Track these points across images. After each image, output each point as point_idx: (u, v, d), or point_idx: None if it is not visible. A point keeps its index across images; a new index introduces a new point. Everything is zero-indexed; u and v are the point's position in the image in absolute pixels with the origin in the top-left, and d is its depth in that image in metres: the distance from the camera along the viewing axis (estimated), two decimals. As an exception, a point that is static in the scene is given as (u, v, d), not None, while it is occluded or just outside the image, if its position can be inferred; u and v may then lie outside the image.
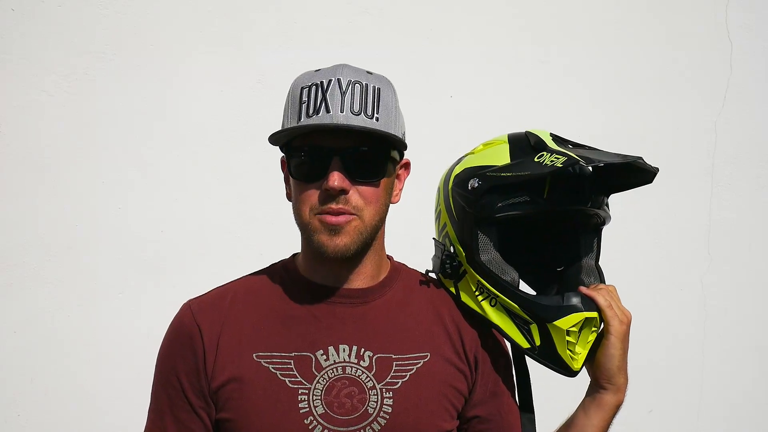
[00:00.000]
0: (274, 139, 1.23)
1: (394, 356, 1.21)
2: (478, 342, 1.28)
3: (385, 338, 1.22)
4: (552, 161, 1.17)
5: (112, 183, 2.24)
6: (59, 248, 2.21)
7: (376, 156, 1.19)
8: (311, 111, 1.17)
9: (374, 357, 1.20)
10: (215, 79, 2.30)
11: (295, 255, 1.35)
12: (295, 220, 1.24)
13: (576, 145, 1.30)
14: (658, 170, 1.21)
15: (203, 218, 2.29)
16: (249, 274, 1.36)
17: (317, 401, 1.17)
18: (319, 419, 1.16)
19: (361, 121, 1.15)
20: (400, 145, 1.24)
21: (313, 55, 2.36)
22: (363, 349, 1.20)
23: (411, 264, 1.40)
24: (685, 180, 2.64)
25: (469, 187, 1.25)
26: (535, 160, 1.20)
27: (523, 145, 1.29)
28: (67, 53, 2.20)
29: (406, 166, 1.32)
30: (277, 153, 2.52)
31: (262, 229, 2.32)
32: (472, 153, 1.35)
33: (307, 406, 1.17)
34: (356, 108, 1.16)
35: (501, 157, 1.28)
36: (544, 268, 1.39)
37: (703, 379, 2.68)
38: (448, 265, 1.29)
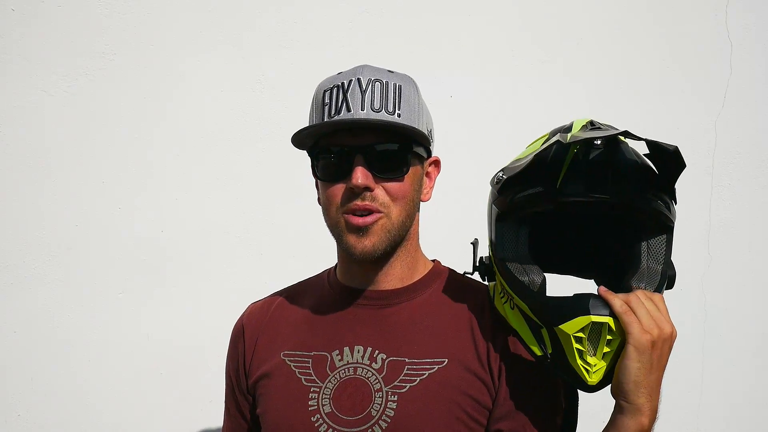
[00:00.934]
0: (297, 141, 1.22)
1: (407, 360, 1.20)
2: (508, 352, 1.20)
3: (401, 341, 1.21)
4: (573, 137, 1.08)
5: (112, 183, 2.24)
6: (60, 248, 2.21)
7: (399, 151, 1.18)
8: (333, 111, 1.17)
9: (387, 360, 1.20)
10: (215, 79, 2.30)
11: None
12: (325, 221, 1.24)
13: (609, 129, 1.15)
14: (674, 147, 1.07)
15: (204, 218, 2.29)
16: (304, 279, 1.42)
17: (326, 400, 1.19)
18: (325, 418, 1.18)
19: (382, 117, 1.15)
20: (424, 140, 1.23)
21: (313, 55, 2.37)
22: (377, 351, 1.21)
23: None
24: (685, 180, 2.62)
25: (496, 181, 1.19)
26: (567, 140, 1.08)
27: (557, 133, 1.17)
28: (67, 53, 2.20)
29: (436, 163, 1.33)
30: (277, 153, 2.53)
31: (263, 229, 2.32)
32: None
33: (315, 404, 1.19)
34: (377, 105, 1.16)
35: (535, 148, 1.17)
36: (612, 273, 1.24)
37: (703, 379, 2.68)
38: (479, 264, 1.26)
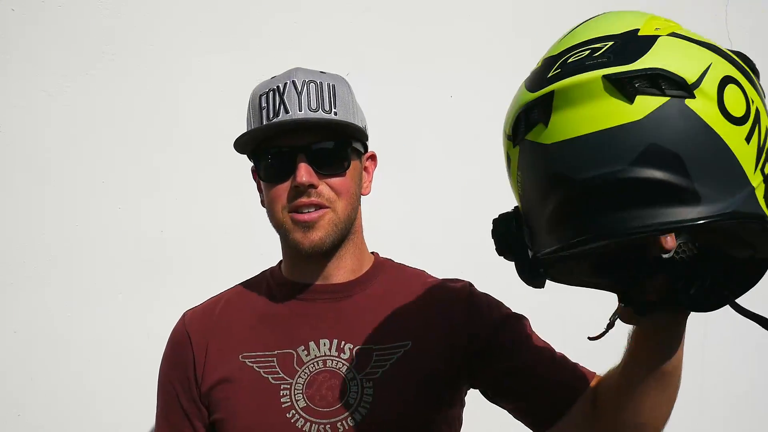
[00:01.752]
0: (239, 146, 1.28)
1: (374, 347, 1.23)
2: (472, 314, 1.29)
3: (365, 330, 1.24)
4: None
5: (112, 183, 2.24)
6: (59, 248, 2.21)
7: (339, 148, 1.23)
8: (271, 114, 1.22)
9: (354, 349, 1.23)
10: (215, 79, 2.30)
11: (280, 261, 1.39)
12: (271, 222, 1.28)
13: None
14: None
15: (203, 218, 2.30)
16: (240, 283, 1.41)
17: (299, 395, 1.20)
18: (301, 412, 1.19)
19: (320, 116, 1.20)
20: (362, 136, 1.28)
21: (313, 55, 2.36)
22: (343, 342, 1.23)
23: (432, 264, 1.41)
24: (685, 180, 2.64)
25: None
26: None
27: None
28: (67, 53, 2.20)
29: (373, 157, 1.37)
30: (277, 153, 2.49)
31: (262, 229, 2.31)
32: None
33: (288, 400, 1.19)
34: (313, 105, 1.20)
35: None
36: None
37: (703, 379, 2.68)
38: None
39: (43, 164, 2.20)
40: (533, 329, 1.34)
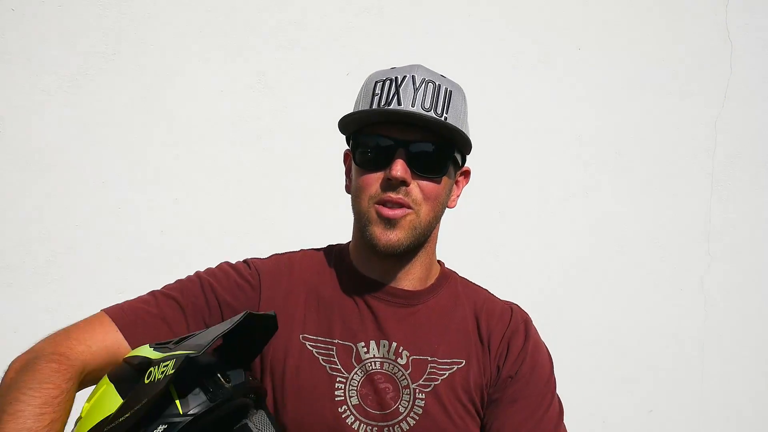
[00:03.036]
0: (343, 124, 1.23)
1: (429, 359, 1.22)
2: (509, 354, 1.25)
3: (423, 341, 1.23)
4: (163, 371, 0.96)
5: (112, 183, 2.24)
6: (59, 248, 2.21)
7: (441, 153, 1.19)
8: (383, 102, 1.17)
9: (411, 357, 1.21)
10: (215, 79, 2.30)
11: (348, 243, 1.34)
12: (353, 208, 1.24)
13: (180, 340, 1.07)
14: (275, 313, 1.09)
15: (203, 218, 2.29)
16: (305, 251, 1.35)
17: (353, 392, 1.19)
18: (353, 410, 1.18)
19: (430, 116, 1.16)
20: (465, 147, 1.24)
21: (313, 55, 2.37)
22: (401, 348, 1.22)
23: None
24: (685, 180, 2.64)
25: None
26: (146, 381, 0.97)
27: (127, 375, 1.04)
28: (67, 53, 2.20)
29: (466, 174, 1.33)
30: (277, 153, 2.53)
31: (262, 228, 2.32)
32: (80, 418, 1.04)
33: (342, 395, 1.19)
34: (427, 105, 1.17)
35: (112, 401, 1.01)
36: None
37: (703, 379, 2.68)
38: None
39: (42, 164, 2.20)
40: (558, 404, 1.27)
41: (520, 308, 1.34)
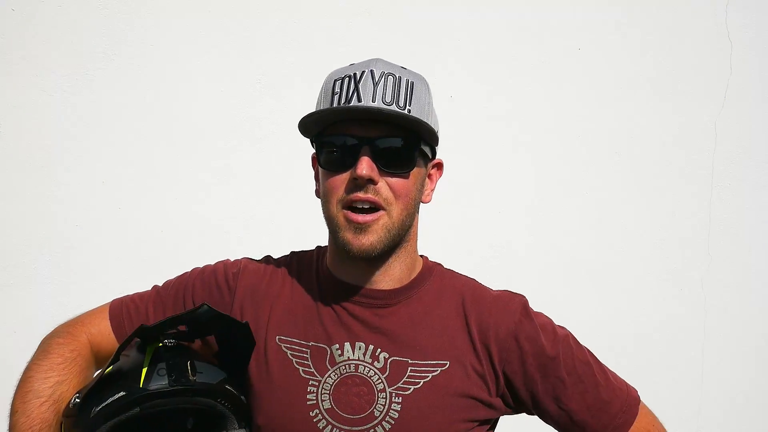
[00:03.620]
0: (303, 126, 1.18)
1: (410, 361, 1.17)
2: (512, 353, 1.20)
3: (403, 342, 1.18)
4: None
5: (112, 183, 2.24)
6: (59, 248, 2.21)
7: (407, 147, 1.15)
8: (343, 100, 1.14)
9: (389, 359, 1.17)
10: (215, 79, 2.30)
11: (326, 248, 1.32)
12: (323, 214, 1.20)
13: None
14: (248, 322, 1.15)
15: (203, 218, 2.29)
16: (295, 254, 1.35)
17: (325, 395, 1.16)
18: (325, 414, 1.15)
19: (392, 110, 1.12)
20: (432, 139, 1.21)
21: (313, 55, 2.36)
22: (379, 350, 1.18)
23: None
24: (685, 180, 2.64)
25: (71, 405, 1.08)
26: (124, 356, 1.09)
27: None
28: (67, 53, 2.20)
29: (439, 166, 1.30)
30: (277, 153, 2.53)
31: (262, 228, 2.32)
32: None
33: (315, 398, 1.16)
34: (388, 98, 1.13)
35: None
36: None
37: (703, 379, 2.68)
38: None
39: (42, 164, 2.20)
40: (581, 347, 1.29)
41: (512, 293, 1.29)
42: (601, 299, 2.57)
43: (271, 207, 2.34)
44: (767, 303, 2.72)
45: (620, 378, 1.32)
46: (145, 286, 2.32)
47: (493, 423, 1.26)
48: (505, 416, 1.28)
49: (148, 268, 2.26)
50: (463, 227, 2.46)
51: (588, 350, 1.30)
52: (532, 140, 2.53)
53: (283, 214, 2.33)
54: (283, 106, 2.33)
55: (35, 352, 1.20)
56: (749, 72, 2.63)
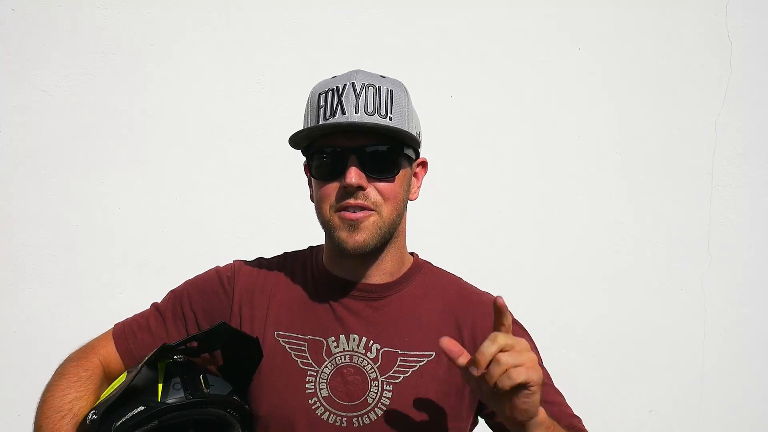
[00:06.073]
0: (294, 141, 1.28)
1: (399, 351, 1.27)
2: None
3: (393, 333, 1.28)
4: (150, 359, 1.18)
5: (112, 183, 2.24)
6: (59, 248, 2.21)
7: (391, 153, 1.24)
8: (328, 114, 1.22)
9: (381, 350, 1.27)
10: (215, 79, 2.30)
11: (322, 246, 1.41)
12: (318, 218, 1.30)
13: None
14: (257, 337, 1.27)
15: (203, 218, 2.30)
16: (288, 254, 1.45)
17: (323, 384, 1.25)
18: (323, 401, 1.24)
19: (375, 121, 1.21)
20: (414, 143, 1.30)
21: (312, 55, 2.37)
22: (371, 341, 1.27)
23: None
24: (685, 180, 2.64)
25: (89, 421, 1.17)
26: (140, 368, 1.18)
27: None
28: (67, 53, 2.20)
29: (423, 164, 1.39)
30: (276, 153, 2.53)
31: (262, 228, 2.33)
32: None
33: (313, 387, 1.25)
34: (370, 109, 1.22)
35: (119, 381, 1.24)
36: None
37: (703, 379, 2.68)
38: None
39: (42, 164, 2.20)
40: (550, 379, 1.33)
41: (492, 294, 1.36)
42: (601, 299, 2.57)
43: (271, 207, 2.34)
44: (767, 303, 2.72)
45: None
46: (144, 286, 2.33)
47: (478, 409, 1.34)
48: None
49: (149, 267, 2.26)
50: (463, 227, 2.46)
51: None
52: (531, 140, 2.53)
53: (284, 213, 2.33)
54: (284, 106, 2.33)
55: (51, 377, 1.28)
56: (749, 72, 2.64)
